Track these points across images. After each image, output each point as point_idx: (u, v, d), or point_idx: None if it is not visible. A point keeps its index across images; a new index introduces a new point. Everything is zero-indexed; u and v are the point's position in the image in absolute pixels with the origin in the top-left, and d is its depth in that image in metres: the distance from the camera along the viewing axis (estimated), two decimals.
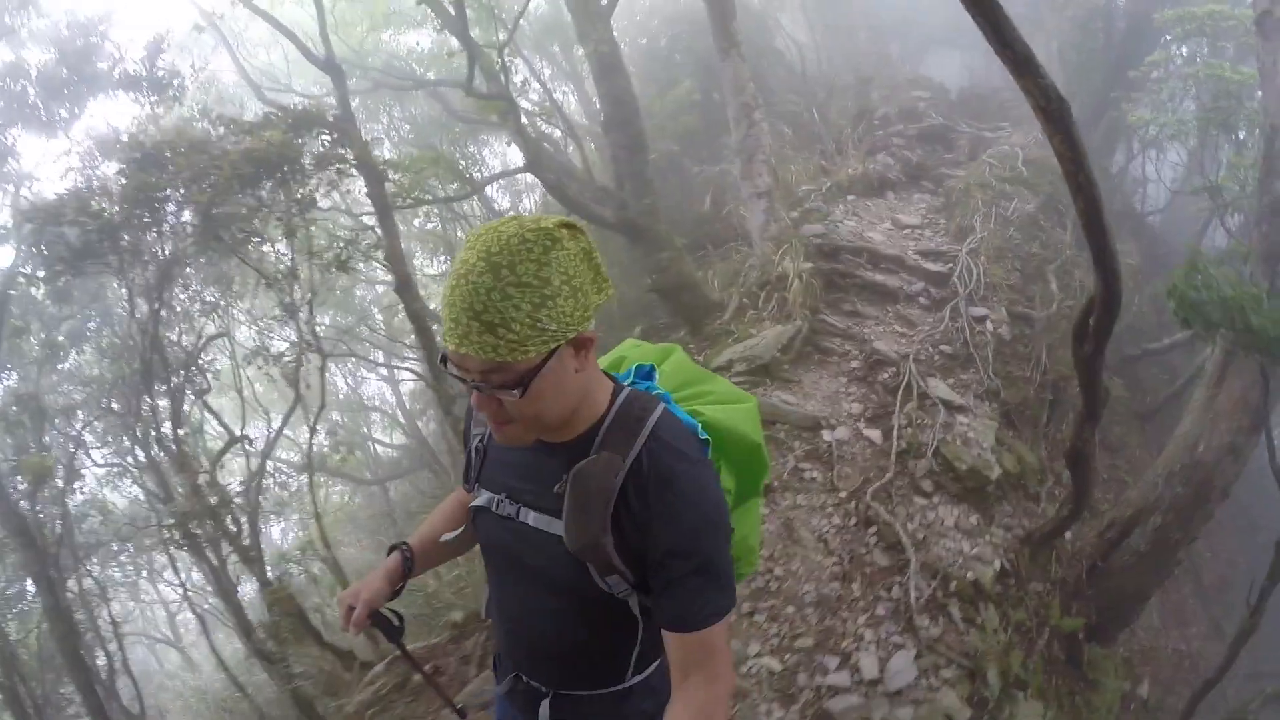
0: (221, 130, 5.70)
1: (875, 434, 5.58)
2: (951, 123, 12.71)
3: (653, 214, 8.16)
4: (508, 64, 7.67)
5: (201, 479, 7.25)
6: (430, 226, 13.55)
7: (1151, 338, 10.42)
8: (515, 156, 13.97)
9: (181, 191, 5.38)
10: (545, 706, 1.66)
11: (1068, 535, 5.88)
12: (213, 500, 7.30)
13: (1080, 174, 2.89)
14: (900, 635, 4.20)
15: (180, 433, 8.14)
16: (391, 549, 1.82)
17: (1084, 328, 3.61)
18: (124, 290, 6.55)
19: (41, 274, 7.27)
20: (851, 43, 18.12)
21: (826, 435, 5.53)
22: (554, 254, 1.27)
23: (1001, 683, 4.33)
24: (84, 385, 10.92)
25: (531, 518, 1.50)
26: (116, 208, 5.92)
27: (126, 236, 6.14)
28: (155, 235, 6.03)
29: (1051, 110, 2.76)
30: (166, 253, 6.28)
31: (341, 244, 6.11)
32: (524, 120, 8.13)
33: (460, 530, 1.78)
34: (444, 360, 1.36)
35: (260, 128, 5.52)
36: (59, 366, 10.93)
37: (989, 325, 6.85)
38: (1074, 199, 2.98)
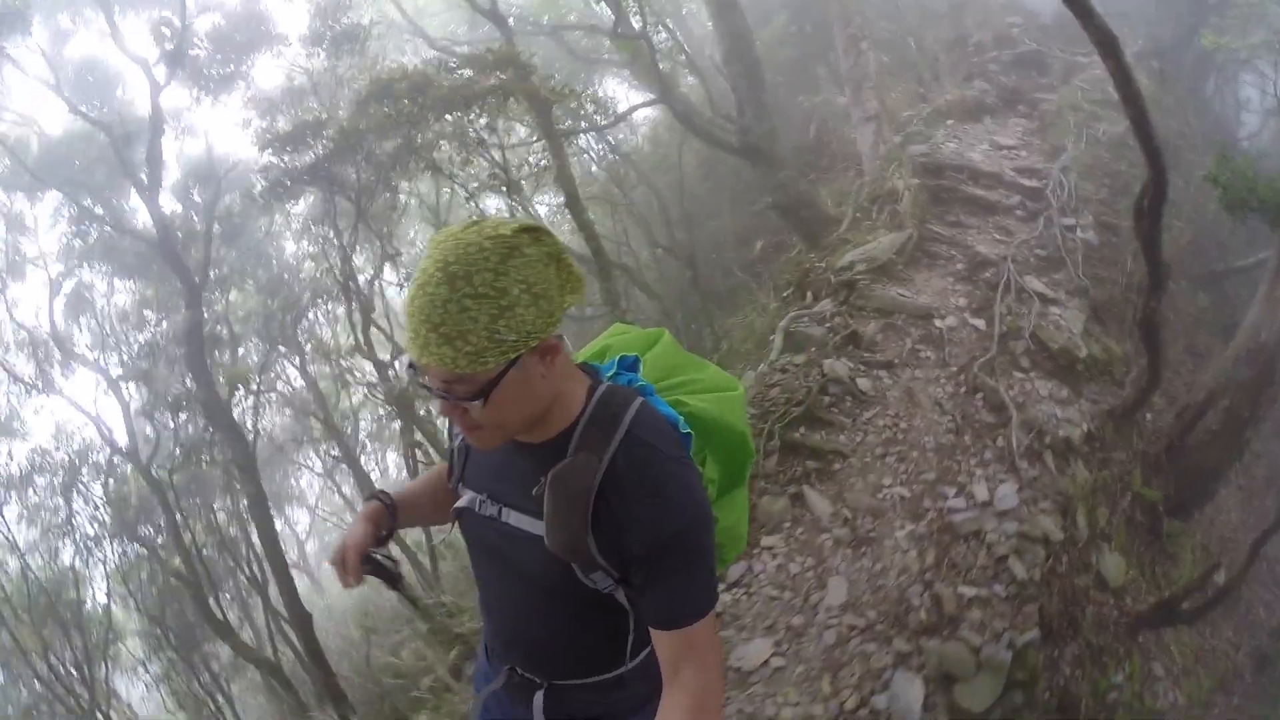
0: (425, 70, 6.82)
1: (979, 322, 6.57)
2: (1045, 48, 13.13)
3: (771, 138, 9.11)
4: (647, 6, 8.62)
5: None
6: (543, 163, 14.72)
7: (1238, 255, 10.97)
8: (622, 94, 15.02)
9: (398, 121, 6.54)
10: (539, 698, 1.69)
11: (1148, 416, 6.82)
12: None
13: (1128, 88, 3.87)
14: (1005, 474, 5.24)
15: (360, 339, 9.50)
16: (369, 497, 1.83)
17: (1141, 207, 4.55)
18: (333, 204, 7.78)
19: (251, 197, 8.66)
20: None
21: (938, 323, 6.54)
22: (512, 262, 1.27)
23: (1089, 529, 5.35)
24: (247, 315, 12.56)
25: (513, 518, 1.52)
26: (328, 142, 7.14)
27: (328, 166, 7.38)
28: (363, 161, 7.23)
29: (1104, 43, 3.73)
30: (369, 178, 7.50)
31: (525, 166, 7.20)
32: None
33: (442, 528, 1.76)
34: (412, 366, 1.37)
35: (465, 64, 6.58)
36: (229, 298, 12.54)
37: (1078, 233, 7.68)
38: (1125, 108, 3.96)
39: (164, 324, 11.06)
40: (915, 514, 4.94)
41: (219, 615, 10.25)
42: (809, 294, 7.28)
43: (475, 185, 7.55)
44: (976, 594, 4.15)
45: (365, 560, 1.67)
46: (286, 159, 6.94)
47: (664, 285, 12.17)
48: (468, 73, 6.59)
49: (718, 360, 7.28)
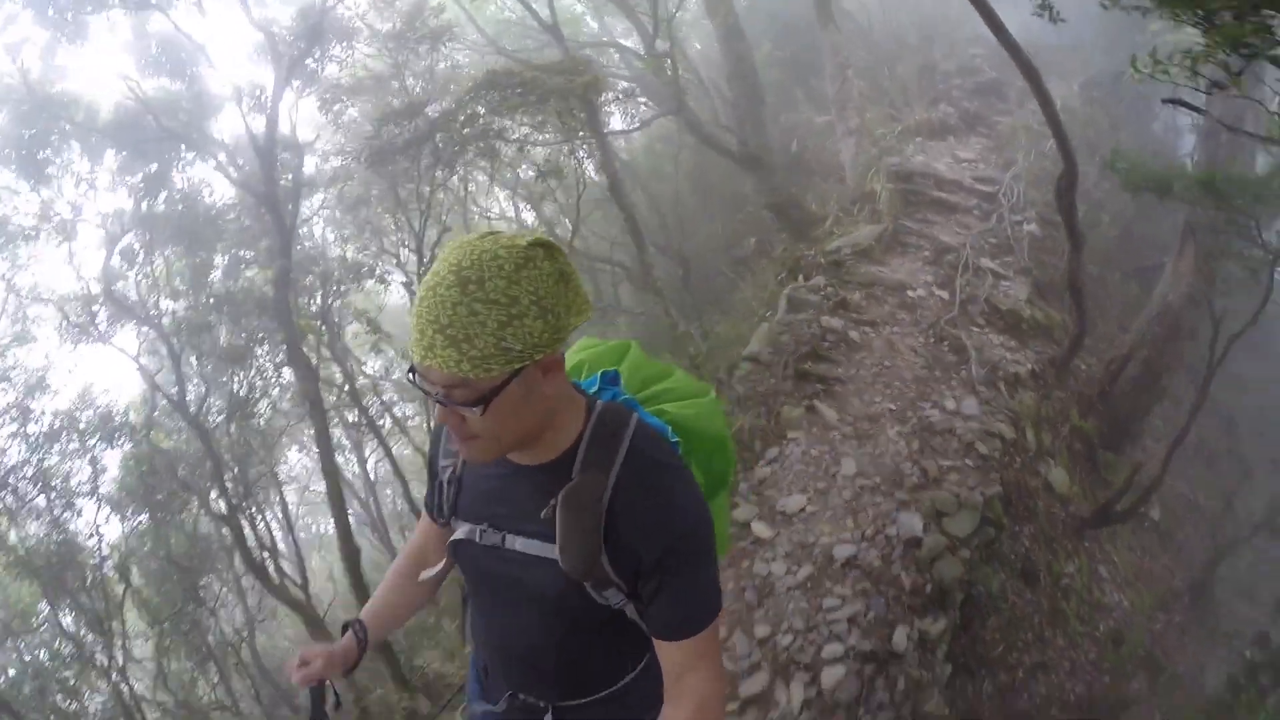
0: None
1: (943, 293, 8.10)
2: (1003, 76, 14.86)
3: (767, 149, 10.67)
4: (672, 31, 10.20)
5: None
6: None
7: (1165, 253, 12.67)
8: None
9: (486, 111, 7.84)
10: None
11: (1083, 367, 8.38)
12: None
13: (1042, 97, 5.52)
14: (968, 394, 6.74)
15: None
16: (345, 627, 1.82)
17: (1060, 188, 6.15)
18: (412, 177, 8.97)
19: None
20: (916, 3, 20.22)
21: (910, 293, 8.06)
22: (525, 273, 1.28)
23: (1037, 444, 6.86)
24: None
25: (519, 543, 1.52)
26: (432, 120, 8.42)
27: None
28: (444, 143, 8.49)
29: (1027, 71, 5.33)
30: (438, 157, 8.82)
31: (568, 156, 8.57)
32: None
33: (437, 569, 1.81)
34: (412, 371, 1.37)
35: (549, 70, 7.92)
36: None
37: (1025, 226, 9.29)
38: (1043, 113, 5.55)
39: (226, 280, 11.90)
40: (901, 419, 6.42)
41: (258, 561, 11.25)
42: (801, 275, 8.78)
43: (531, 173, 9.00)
44: (952, 465, 5.67)
45: (320, 683, 1.71)
46: (395, 129, 8.16)
47: (658, 283, 13.67)
48: (551, 74, 7.96)
49: (708, 348, 8.72)
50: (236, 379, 11.66)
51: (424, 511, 1.86)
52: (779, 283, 8.86)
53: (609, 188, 8.27)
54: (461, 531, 1.61)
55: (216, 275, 11.86)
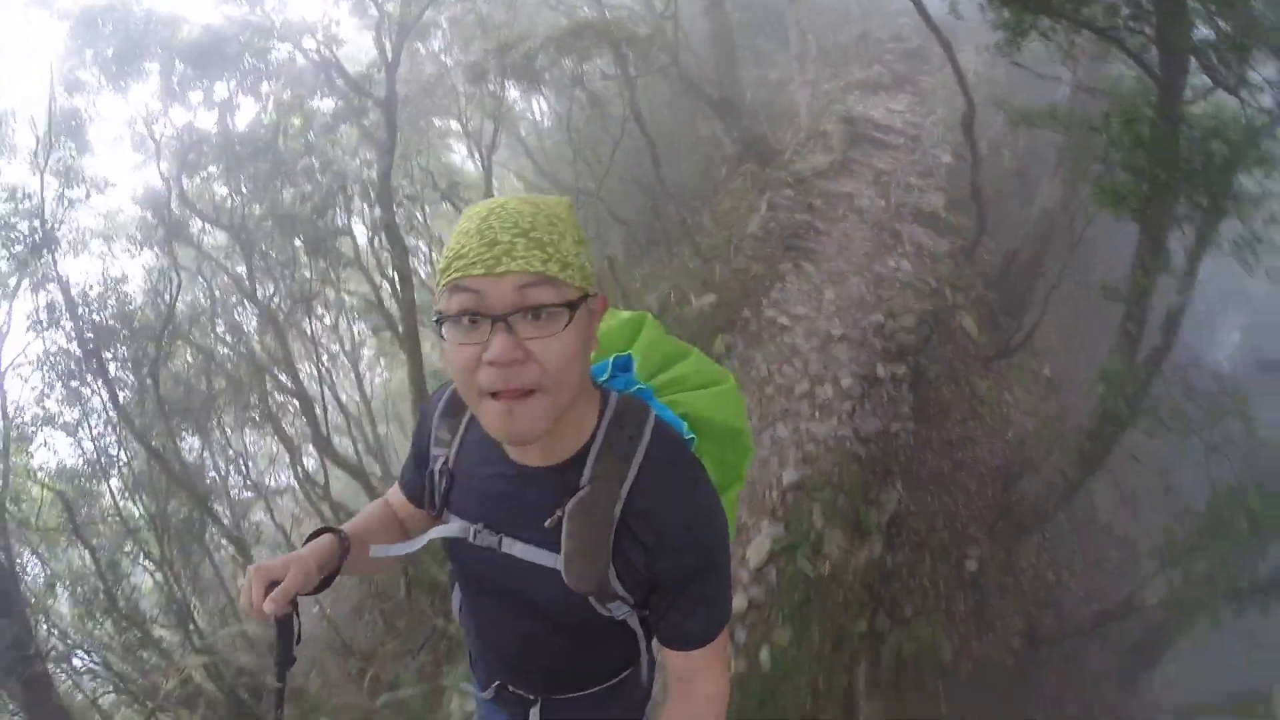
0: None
1: (882, 201, 10.79)
2: (927, 44, 17.59)
3: (740, 95, 13.17)
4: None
5: None
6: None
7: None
8: None
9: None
10: (535, 713, 1.68)
11: (987, 257, 11.19)
12: None
13: (954, 66, 8.05)
14: (903, 260, 9.42)
15: None
16: (322, 531, 1.54)
17: (964, 122, 8.82)
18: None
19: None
20: None
21: (857, 201, 10.74)
22: (571, 215, 1.28)
23: (953, 299, 9.58)
24: None
25: (518, 549, 1.43)
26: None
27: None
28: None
29: (943, 42, 7.90)
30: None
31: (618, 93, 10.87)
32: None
33: (399, 549, 1.57)
34: (442, 320, 1.23)
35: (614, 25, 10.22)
36: None
37: (942, 158, 12.05)
38: (951, 68, 8.15)
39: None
40: (859, 274, 9.09)
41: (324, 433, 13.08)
42: (770, 192, 11.37)
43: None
44: (897, 294, 8.35)
45: (293, 604, 1.39)
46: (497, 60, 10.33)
47: (632, 214, 16.04)
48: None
49: (711, 233, 11.21)
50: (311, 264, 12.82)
51: (399, 485, 1.74)
52: (758, 193, 11.44)
53: (634, 118, 10.66)
54: (453, 528, 1.51)
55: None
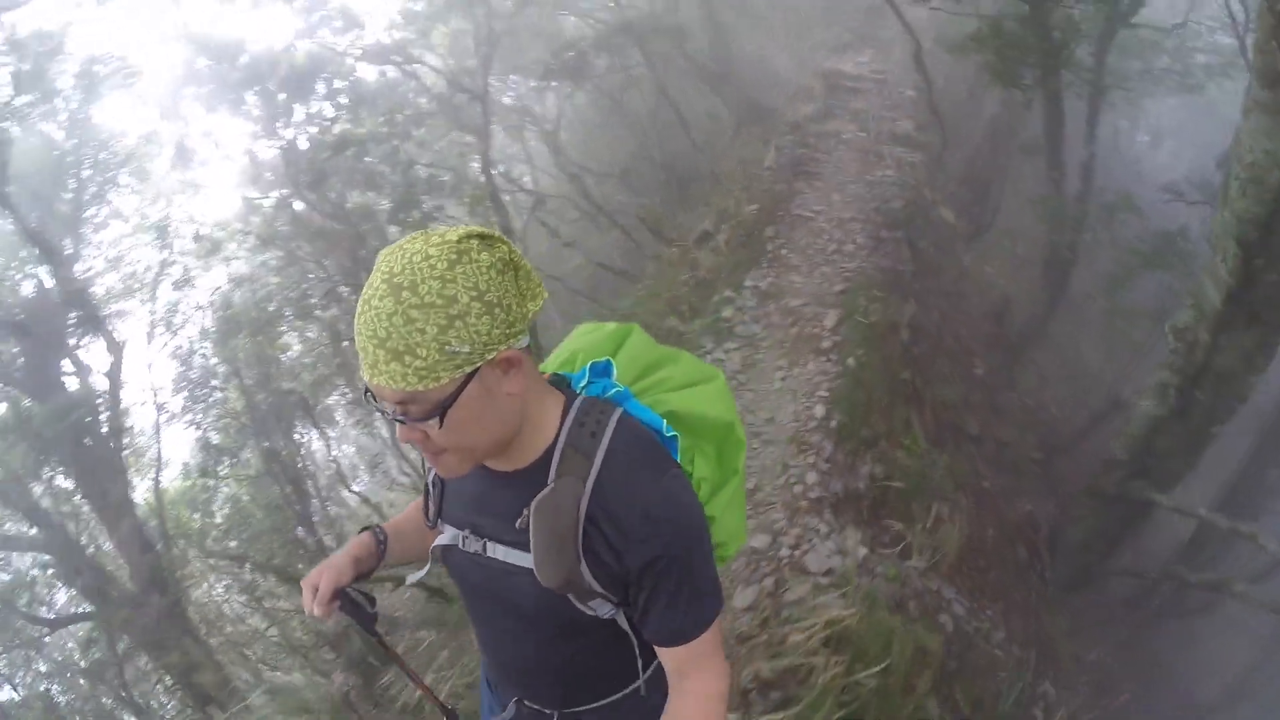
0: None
1: (863, 134, 13.50)
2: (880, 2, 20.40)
3: (731, 70, 15.91)
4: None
5: None
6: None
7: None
8: None
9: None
10: None
11: (953, 166, 13.90)
12: None
13: (897, 13, 10.79)
14: (888, 170, 12.11)
15: None
16: (362, 530, 1.73)
17: (915, 55, 11.53)
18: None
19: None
20: None
21: (843, 135, 13.44)
22: (460, 269, 1.21)
23: (930, 196, 12.30)
24: None
25: (499, 552, 1.49)
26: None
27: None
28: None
29: (901, 18, 10.65)
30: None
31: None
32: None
33: (417, 577, 1.72)
34: (367, 391, 1.30)
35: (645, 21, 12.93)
36: None
37: (907, 94, 14.78)
38: (900, 20, 10.88)
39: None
40: (858, 180, 11.72)
41: None
42: (774, 139, 14.07)
43: None
44: (890, 185, 11.05)
45: (340, 595, 1.59)
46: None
47: (642, 184, 18.66)
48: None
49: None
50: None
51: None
52: (764, 143, 14.17)
53: (661, 91, 13.43)
54: (446, 536, 1.58)
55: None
